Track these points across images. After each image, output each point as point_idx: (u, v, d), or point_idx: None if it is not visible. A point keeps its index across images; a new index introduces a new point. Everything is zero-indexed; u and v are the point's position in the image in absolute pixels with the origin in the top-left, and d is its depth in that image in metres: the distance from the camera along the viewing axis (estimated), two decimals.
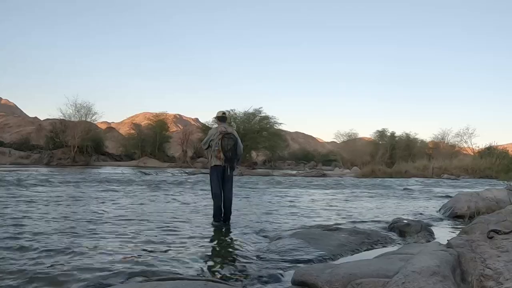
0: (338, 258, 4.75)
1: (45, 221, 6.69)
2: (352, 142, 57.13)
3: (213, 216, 7.03)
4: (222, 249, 5.22)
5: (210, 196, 7.20)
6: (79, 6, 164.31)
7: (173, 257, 4.58)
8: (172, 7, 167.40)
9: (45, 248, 4.72)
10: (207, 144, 7.04)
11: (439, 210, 9.67)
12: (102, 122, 72.30)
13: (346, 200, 12.00)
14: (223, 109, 7.60)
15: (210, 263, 4.47)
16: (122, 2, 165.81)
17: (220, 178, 6.93)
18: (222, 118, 7.23)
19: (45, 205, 8.73)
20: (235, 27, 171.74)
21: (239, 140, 7.01)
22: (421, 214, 9.08)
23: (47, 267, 4.02)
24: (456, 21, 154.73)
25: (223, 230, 6.53)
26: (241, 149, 7.03)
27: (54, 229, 5.93)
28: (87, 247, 4.86)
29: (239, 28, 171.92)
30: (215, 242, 5.59)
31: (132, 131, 58.74)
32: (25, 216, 7.06)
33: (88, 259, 4.34)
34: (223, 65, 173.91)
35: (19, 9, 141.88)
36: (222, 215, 7.00)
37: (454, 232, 6.49)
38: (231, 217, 7.08)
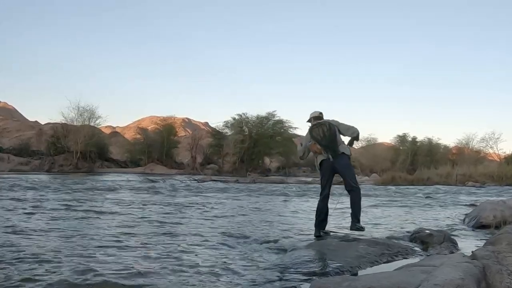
0: (357, 271, 4.76)
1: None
2: (371, 147, 56.86)
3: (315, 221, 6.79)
4: (234, 261, 5.26)
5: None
6: (81, 5, 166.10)
7: (182, 268, 4.65)
8: (179, 5, 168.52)
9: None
10: (302, 152, 6.88)
11: (463, 219, 9.61)
12: (106, 127, 72.90)
13: (365, 209, 11.95)
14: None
15: (221, 275, 4.52)
16: (127, 0, 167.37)
17: (330, 173, 6.70)
18: (315, 117, 6.80)
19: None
20: (246, 26, 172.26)
21: (341, 124, 6.60)
22: (444, 223, 9.04)
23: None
24: (478, 19, 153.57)
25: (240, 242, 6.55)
26: (349, 130, 6.58)
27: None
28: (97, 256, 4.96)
29: (251, 28, 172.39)
30: (226, 254, 5.63)
31: (138, 136, 58.84)
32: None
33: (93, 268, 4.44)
34: (234, 66, 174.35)
35: (19, 9, 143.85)
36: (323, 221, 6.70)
37: (479, 243, 6.46)
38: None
